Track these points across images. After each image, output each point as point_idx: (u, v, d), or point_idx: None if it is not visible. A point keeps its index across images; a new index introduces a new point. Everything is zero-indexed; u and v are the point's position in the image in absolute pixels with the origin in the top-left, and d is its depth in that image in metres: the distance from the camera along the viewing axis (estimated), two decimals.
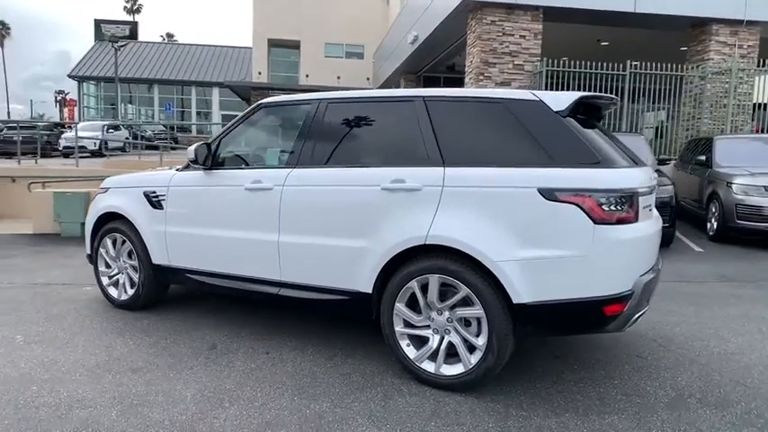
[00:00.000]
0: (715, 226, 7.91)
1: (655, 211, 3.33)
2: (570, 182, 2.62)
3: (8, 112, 50.13)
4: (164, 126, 28.49)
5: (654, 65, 11.49)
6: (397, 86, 22.03)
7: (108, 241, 4.34)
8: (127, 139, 21.48)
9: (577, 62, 11.27)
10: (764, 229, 7.25)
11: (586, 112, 3.19)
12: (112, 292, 4.36)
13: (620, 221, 2.62)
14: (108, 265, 4.40)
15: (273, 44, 30.09)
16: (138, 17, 57.54)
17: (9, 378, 3.04)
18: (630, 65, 11.57)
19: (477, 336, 2.82)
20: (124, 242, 4.23)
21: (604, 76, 11.55)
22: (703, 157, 8.77)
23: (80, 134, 19.09)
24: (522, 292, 2.66)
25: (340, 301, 3.24)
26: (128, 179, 4.34)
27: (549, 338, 3.69)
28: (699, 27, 12.38)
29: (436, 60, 18.52)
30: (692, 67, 12.16)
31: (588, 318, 2.70)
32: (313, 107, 3.49)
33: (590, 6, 11.37)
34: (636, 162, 3.12)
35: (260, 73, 29.56)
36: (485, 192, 2.78)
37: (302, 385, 2.99)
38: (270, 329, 3.85)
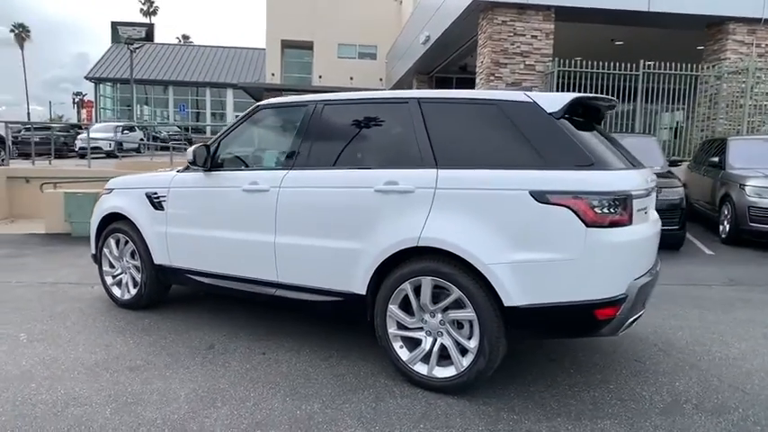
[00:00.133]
0: (727, 228, 7.78)
1: (653, 214, 3.29)
2: (562, 184, 2.60)
3: (28, 114, 51.09)
4: (178, 127, 28.80)
5: (668, 65, 11.34)
6: (410, 87, 22.00)
7: (112, 241, 4.41)
8: (142, 140, 21.74)
9: (591, 62, 11.15)
10: None
11: (585, 114, 3.16)
12: (116, 291, 4.42)
13: (614, 224, 2.59)
14: (112, 265, 4.47)
15: (287, 45, 30.27)
16: (153, 19, 58.35)
17: (10, 375, 3.10)
18: (644, 65, 11.43)
19: (469, 338, 2.81)
20: (127, 242, 4.29)
21: (617, 77, 11.42)
22: (716, 159, 8.62)
23: (95, 135, 19.44)
24: (513, 294, 2.64)
25: (335, 303, 3.25)
26: (130, 180, 4.40)
27: (546, 342, 3.66)
28: (715, 26, 12.19)
29: (448, 61, 18.47)
30: (708, 67, 11.97)
31: (580, 321, 2.68)
32: (309, 109, 3.50)
33: (602, 6, 11.25)
34: (633, 164, 3.08)
35: (273, 74, 29.76)
36: (477, 194, 2.77)
37: (295, 386, 3.00)
38: (269, 330, 3.87)
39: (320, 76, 29.15)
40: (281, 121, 4.01)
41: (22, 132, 17.25)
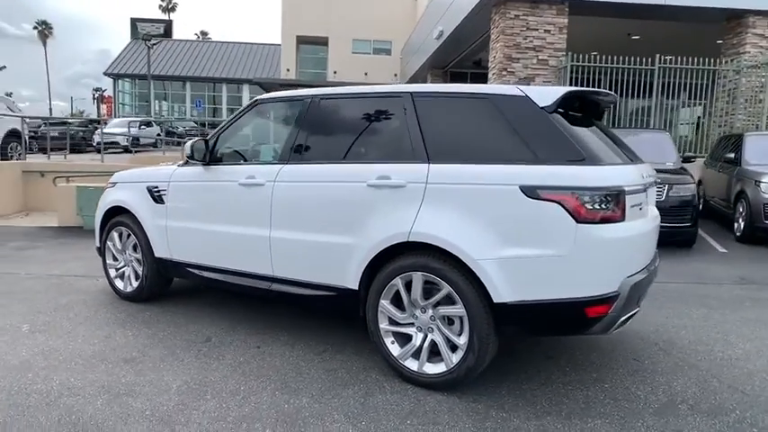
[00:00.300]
0: (742, 226, 7.60)
1: (653, 210, 3.22)
2: (552, 179, 2.55)
3: (50, 109, 52.09)
4: (194, 122, 29.07)
5: (686, 59, 11.10)
6: (424, 82, 21.91)
7: (115, 234, 4.46)
8: (158, 135, 22.00)
9: (606, 57, 10.97)
10: None
11: (583, 109, 3.11)
12: (119, 284, 4.48)
13: (605, 220, 2.54)
14: (115, 258, 4.52)
15: (302, 41, 30.31)
16: (172, 16, 58.83)
17: (9, 365, 3.16)
18: (660, 59, 11.21)
19: (459, 335, 2.78)
20: (129, 235, 4.34)
21: (631, 71, 11.22)
22: (732, 155, 8.43)
23: (113, 130, 19.75)
24: (502, 291, 2.61)
25: (328, 297, 3.25)
26: (133, 174, 4.45)
27: (545, 339, 3.61)
28: (734, 19, 11.90)
29: (462, 56, 18.35)
30: (727, 61, 11.69)
31: (570, 319, 2.63)
32: (305, 103, 3.49)
33: None
34: (631, 159, 3.02)
35: (288, 70, 29.84)
36: (467, 189, 2.73)
37: (286, 380, 3.01)
38: (267, 324, 3.88)
39: (335, 72, 29.16)
40: (278, 116, 4.01)
41: (42, 127, 17.57)
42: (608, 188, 2.54)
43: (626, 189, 2.60)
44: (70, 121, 22.26)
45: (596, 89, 3.05)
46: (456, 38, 15.67)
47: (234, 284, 3.72)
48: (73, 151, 15.99)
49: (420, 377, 2.90)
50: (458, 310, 2.75)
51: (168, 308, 4.25)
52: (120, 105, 40.92)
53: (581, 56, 11.03)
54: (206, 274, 3.87)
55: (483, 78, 16.76)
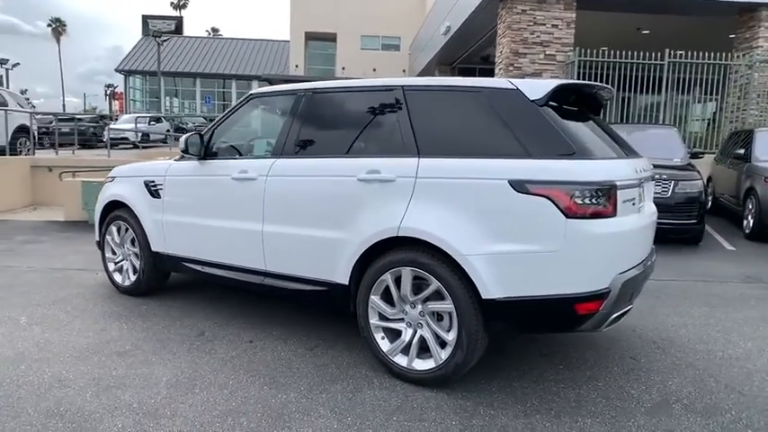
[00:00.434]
0: (751, 223, 7.47)
1: (650, 205, 3.15)
2: (542, 174, 2.51)
3: (63, 105, 52.65)
4: (204, 118, 29.20)
5: (697, 54, 10.92)
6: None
7: (113, 228, 4.48)
8: (168, 131, 22.14)
9: (615, 52, 10.82)
10: None
11: (579, 103, 3.05)
12: (117, 277, 4.50)
13: (596, 215, 2.49)
14: (114, 252, 4.55)
15: (310, 37, 30.33)
16: (183, 12, 59.20)
17: (3, 357, 3.18)
18: (669, 54, 11.04)
19: (448, 331, 2.75)
20: (127, 230, 4.36)
21: (640, 66, 11.07)
22: (742, 151, 8.28)
23: (122, 126, 19.90)
24: (491, 286, 2.57)
25: (319, 292, 3.23)
26: (131, 169, 4.46)
27: (540, 336, 3.57)
28: (747, 13, 11.70)
29: (470, 51, 18.24)
30: (739, 56, 11.48)
31: (560, 316, 2.59)
32: (299, 97, 3.47)
33: None
34: (626, 154, 2.96)
35: (297, 66, 29.89)
36: (457, 183, 2.70)
37: (276, 375, 3.00)
38: (262, 319, 3.88)
39: (343, 68, 29.14)
40: (272, 110, 4.00)
41: (53, 123, 17.75)
42: (599, 183, 2.49)
43: (618, 184, 2.55)
44: (80, 117, 22.47)
45: (590, 82, 2.98)
46: (463, 33, 15.56)
47: (227, 279, 3.72)
48: (83, 147, 16.15)
49: (409, 373, 2.87)
50: (446, 305, 2.72)
51: (165, 302, 4.26)
52: (132, 101, 41.21)
53: (588, 51, 10.89)
54: (201, 268, 3.87)
55: (491, 74, 16.64)
